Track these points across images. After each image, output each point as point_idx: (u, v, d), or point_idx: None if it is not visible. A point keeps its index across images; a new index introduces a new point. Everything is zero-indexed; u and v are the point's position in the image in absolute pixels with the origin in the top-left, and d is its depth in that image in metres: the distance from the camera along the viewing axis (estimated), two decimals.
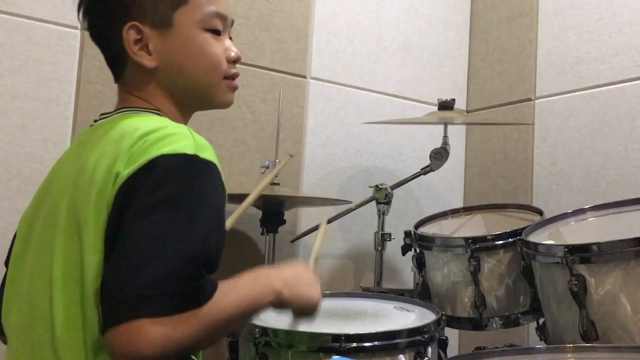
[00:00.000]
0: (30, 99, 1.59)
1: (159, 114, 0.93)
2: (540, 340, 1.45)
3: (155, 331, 0.69)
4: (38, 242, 0.88)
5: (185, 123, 1.00)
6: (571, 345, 1.09)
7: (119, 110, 0.94)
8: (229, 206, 0.92)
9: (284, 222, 1.75)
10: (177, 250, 0.74)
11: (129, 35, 0.91)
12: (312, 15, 2.09)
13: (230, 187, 1.88)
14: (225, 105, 1.02)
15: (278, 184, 1.70)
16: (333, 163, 2.11)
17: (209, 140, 0.88)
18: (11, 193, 1.56)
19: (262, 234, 1.75)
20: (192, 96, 0.98)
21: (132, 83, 0.95)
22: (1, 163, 1.56)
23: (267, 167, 1.75)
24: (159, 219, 0.75)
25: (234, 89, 1.01)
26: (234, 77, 1.00)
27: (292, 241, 1.92)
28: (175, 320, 0.72)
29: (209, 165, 0.83)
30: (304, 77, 2.06)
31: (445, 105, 1.81)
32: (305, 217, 2.02)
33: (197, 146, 0.82)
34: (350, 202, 1.79)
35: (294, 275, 0.92)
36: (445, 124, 1.83)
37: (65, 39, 1.63)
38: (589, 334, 1.15)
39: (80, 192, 0.82)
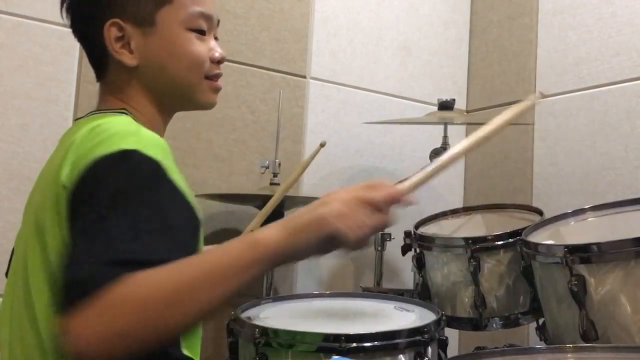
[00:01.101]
0: (30, 99, 1.59)
1: (125, 114, 0.91)
2: (540, 340, 1.45)
3: (76, 323, 0.63)
4: (20, 251, 0.88)
5: (165, 124, 1.00)
6: (571, 345, 1.09)
7: (89, 113, 0.94)
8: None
9: None
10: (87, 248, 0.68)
11: (110, 32, 0.90)
12: (312, 15, 2.09)
13: (231, 187, 1.90)
14: (207, 106, 1.00)
15: (278, 184, 1.70)
16: (333, 163, 2.11)
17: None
18: (11, 193, 1.56)
19: None
20: (172, 96, 0.97)
21: (113, 82, 0.95)
22: (1, 163, 1.56)
23: (267, 167, 1.75)
24: (85, 224, 0.71)
25: (216, 89, 0.99)
26: (216, 77, 0.99)
27: None
28: (92, 308, 0.63)
29: (149, 161, 0.77)
30: (304, 77, 2.06)
31: (445, 105, 1.81)
32: None
33: (139, 142, 0.78)
34: None
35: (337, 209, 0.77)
36: (445, 124, 1.83)
37: (65, 39, 1.63)
38: (589, 334, 1.15)
39: (42, 197, 0.83)
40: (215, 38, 1.00)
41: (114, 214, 0.70)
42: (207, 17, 0.96)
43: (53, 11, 1.63)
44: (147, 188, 0.74)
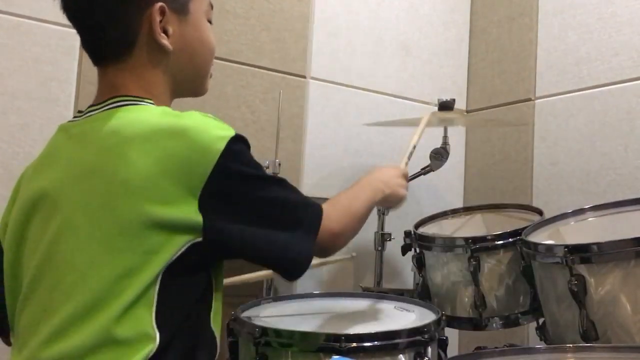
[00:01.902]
0: (30, 99, 1.59)
1: (153, 104, 0.93)
2: (540, 340, 1.44)
3: (331, 223, 0.96)
4: (45, 244, 0.86)
5: None
6: (571, 345, 1.09)
7: (111, 101, 0.92)
8: None
9: None
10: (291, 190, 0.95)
11: (155, 16, 0.92)
12: (312, 15, 2.09)
13: None
14: (204, 93, 1.08)
15: None
16: (333, 163, 2.11)
17: None
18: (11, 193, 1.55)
19: None
20: (190, 82, 1.02)
21: (135, 68, 0.94)
22: (1, 163, 1.55)
23: (267, 167, 1.75)
24: (267, 188, 0.90)
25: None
26: None
27: None
28: (333, 217, 0.97)
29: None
30: (304, 77, 2.06)
31: (445, 106, 1.81)
32: None
33: (224, 125, 0.89)
34: None
35: (391, 177, 1.21)
36: (445, 125, 1.83)
37: (65, 39, 1.63)
38: (589, 334, 1.15)
39: (106, 194, 0.82)
40: None
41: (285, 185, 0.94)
42: (212, 9, 1.04)
43: (53, 11, 1.62)
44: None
